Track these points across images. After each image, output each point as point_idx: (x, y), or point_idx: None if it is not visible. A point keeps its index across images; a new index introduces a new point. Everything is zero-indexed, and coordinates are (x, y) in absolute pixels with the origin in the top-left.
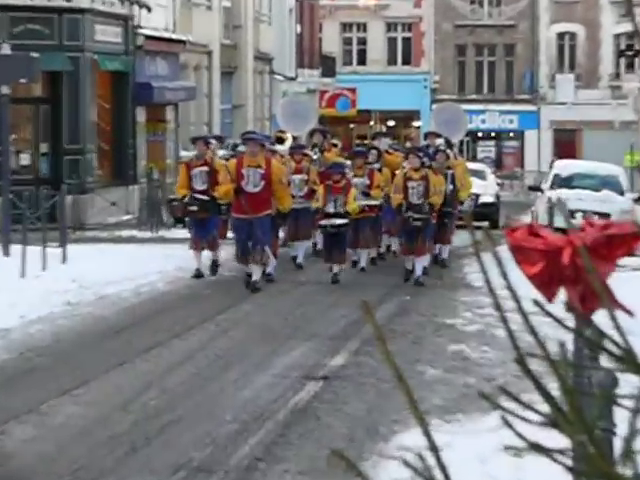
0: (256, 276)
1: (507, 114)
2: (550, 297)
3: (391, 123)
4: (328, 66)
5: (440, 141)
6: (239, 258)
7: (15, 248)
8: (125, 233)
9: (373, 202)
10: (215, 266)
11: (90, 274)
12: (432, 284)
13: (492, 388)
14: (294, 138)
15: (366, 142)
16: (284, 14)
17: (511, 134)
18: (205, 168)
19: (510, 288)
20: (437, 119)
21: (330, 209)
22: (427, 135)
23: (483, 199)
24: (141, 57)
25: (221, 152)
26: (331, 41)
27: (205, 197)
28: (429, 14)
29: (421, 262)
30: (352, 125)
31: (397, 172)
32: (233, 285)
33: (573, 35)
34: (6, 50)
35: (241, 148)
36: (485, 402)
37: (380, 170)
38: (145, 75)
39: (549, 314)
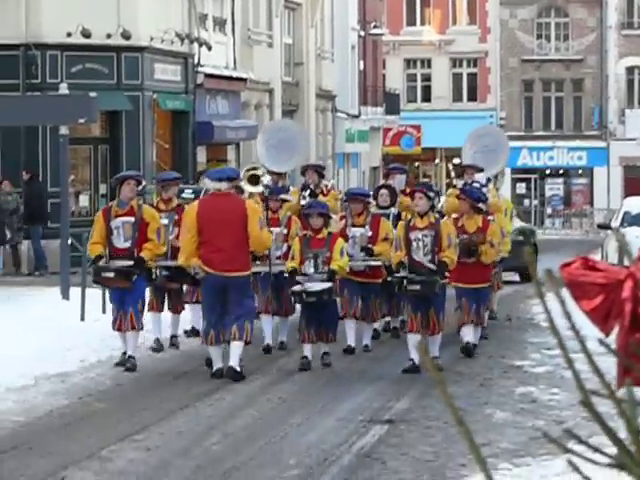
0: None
1: (575, 151)
2: (607, 332)
3: (457, 160)
4: (392, 103)
5: (481, 176)
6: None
7: (74, 291)
8: None
9: (377, 262)
10: (131, 359)
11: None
12: (500, 325)
13: (561, 431)
14: (278, 175)
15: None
16: (347, 50)
17: (580, 171)
18: (129, 219)
19: (574, 328)
20: (474, 144)
21: (309, 269)
22: (463, 169)
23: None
24: (201, 96)
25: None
26: (395, 77)
27: (126, 260)
28: (495, 49)
29: (435, 342)
30: (417, 163)
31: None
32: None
33: None
34: (64, 90)
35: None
36: (554, 445)
37: (398, 217)
38: (205, 114)
39: (616, 354)
